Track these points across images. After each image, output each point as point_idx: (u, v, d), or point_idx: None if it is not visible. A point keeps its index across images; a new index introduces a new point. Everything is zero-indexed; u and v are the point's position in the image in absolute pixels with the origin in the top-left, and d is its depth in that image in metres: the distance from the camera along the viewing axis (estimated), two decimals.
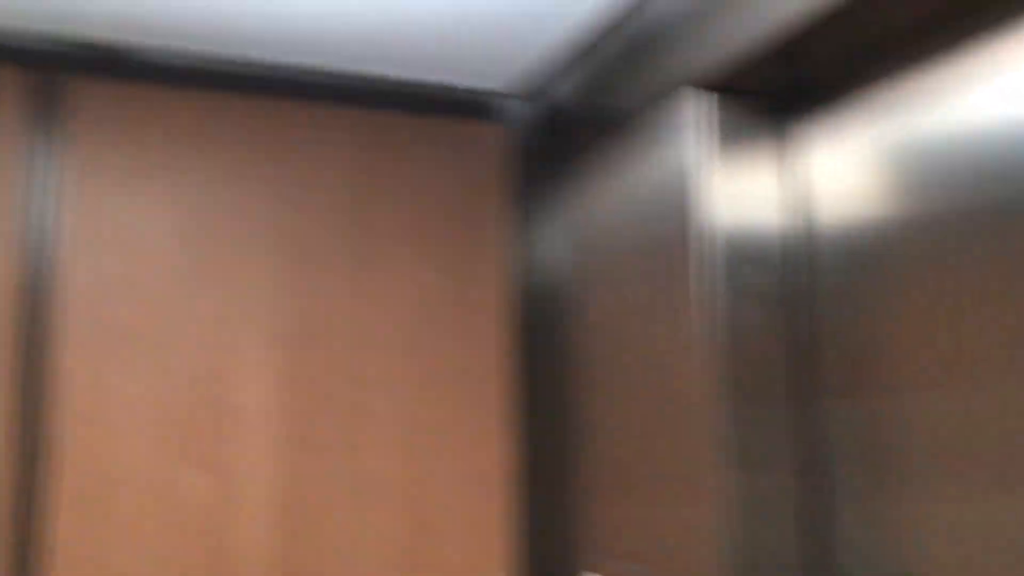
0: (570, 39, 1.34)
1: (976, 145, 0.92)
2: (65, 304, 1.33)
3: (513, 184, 1.59)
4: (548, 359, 1.57)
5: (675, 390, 1.20)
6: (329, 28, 1.30)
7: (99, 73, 1.41)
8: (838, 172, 1.10)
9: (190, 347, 1.38)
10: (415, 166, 1.51)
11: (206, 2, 1.22)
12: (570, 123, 1.53)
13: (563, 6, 1.25)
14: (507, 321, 1.53)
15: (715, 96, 1.15)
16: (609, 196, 1.38)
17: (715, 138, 1.15)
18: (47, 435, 1.32)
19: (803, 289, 1.15)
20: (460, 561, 1.46)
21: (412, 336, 1.48)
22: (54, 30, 1.30)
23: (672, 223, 1.19)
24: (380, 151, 1.50)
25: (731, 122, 1.15)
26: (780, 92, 1.17)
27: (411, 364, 1.47)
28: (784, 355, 1.14)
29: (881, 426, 1.03)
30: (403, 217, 1.50)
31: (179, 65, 1.45)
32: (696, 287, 1.14)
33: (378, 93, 1.54)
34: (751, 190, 1.15)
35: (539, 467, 1.55)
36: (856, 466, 1.06)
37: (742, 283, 1.14)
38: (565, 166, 1.53)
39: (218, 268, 1.40)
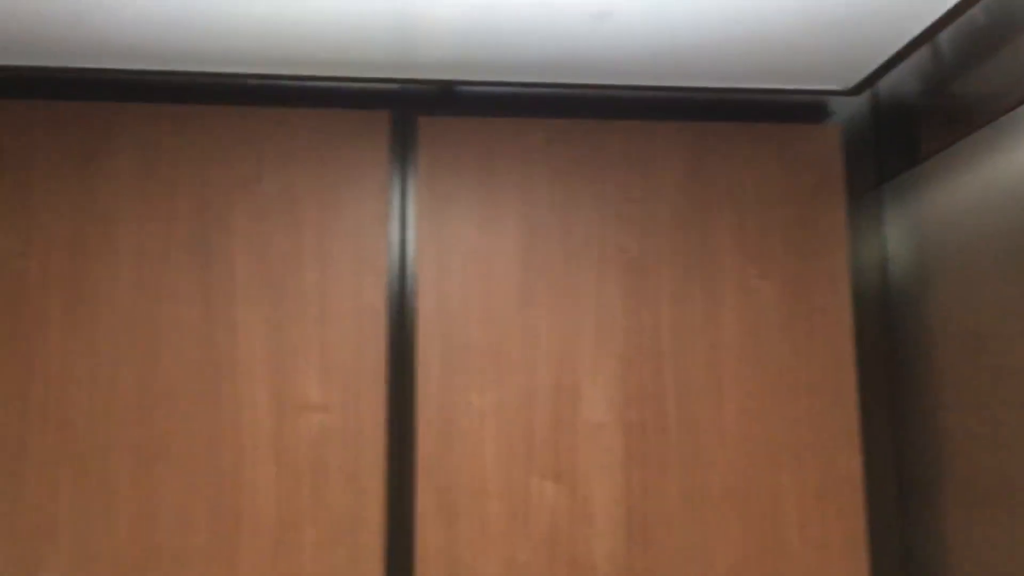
0: (910, 31, 1.29)
1: None
2: (421, 325, 1.43)
3: (851, 186, 1.55)
4: (896, 366, 1.51)
5: None
6: (657, 48, 1.32)
7: (443, 110, 1.52)
8: None
9: (536, 363, 1.44)
10: (748, 174, 1.50)
11: (535, 38, 1.28)
12: (913, 118, 1.46)
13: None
14: (850, 328, 1.47)
15: None
16: (968, 192, 1.30)
17: None
18: (412, 448, 1.42)
19: None
20: None
21: (751, 348, 1.46)
22: (403, 75, 1.41)
23: None
24: (712, 162, 1.50)
25: None
26: None
27: (751, 376, 1.46)
28: None
29: None
30: (738, 227, 1.49)
31: (515, 96, 1.52)
32: None
33: (708, 104, 1.54)
34: None
35: (894, 482, 1.48)
36: None
37: None
38: (909, 163, 1.47)
39: (561, 286, 1.46)
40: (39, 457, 1.33)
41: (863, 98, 1.58)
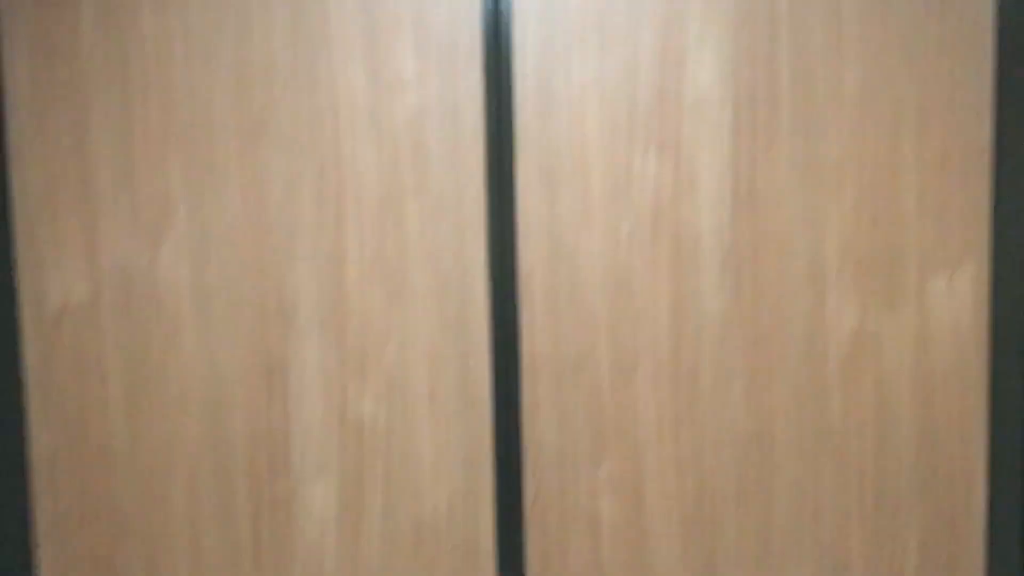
0: None
1: None
2: None
3: None
4: None
5: None
6: None
7: None
8: None
9: (640, 29, 1.35)
10: None
11: None
12: None
13: None
14: None
15: None
16: None
17: None
18: (511, 122, 1.38)
19: None
20: (918, 248, 1.37)
21: (876, 3, 1.34)
22: None
23: None
24: None
25: None
26: None
27: (875, 36, 1.35)
28: None
29: None
30: None
31: None
32: None
33: None
34: None
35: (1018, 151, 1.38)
36: None
37: None
38: None
39: None
40: (145, 136, 1.35)
41: None
